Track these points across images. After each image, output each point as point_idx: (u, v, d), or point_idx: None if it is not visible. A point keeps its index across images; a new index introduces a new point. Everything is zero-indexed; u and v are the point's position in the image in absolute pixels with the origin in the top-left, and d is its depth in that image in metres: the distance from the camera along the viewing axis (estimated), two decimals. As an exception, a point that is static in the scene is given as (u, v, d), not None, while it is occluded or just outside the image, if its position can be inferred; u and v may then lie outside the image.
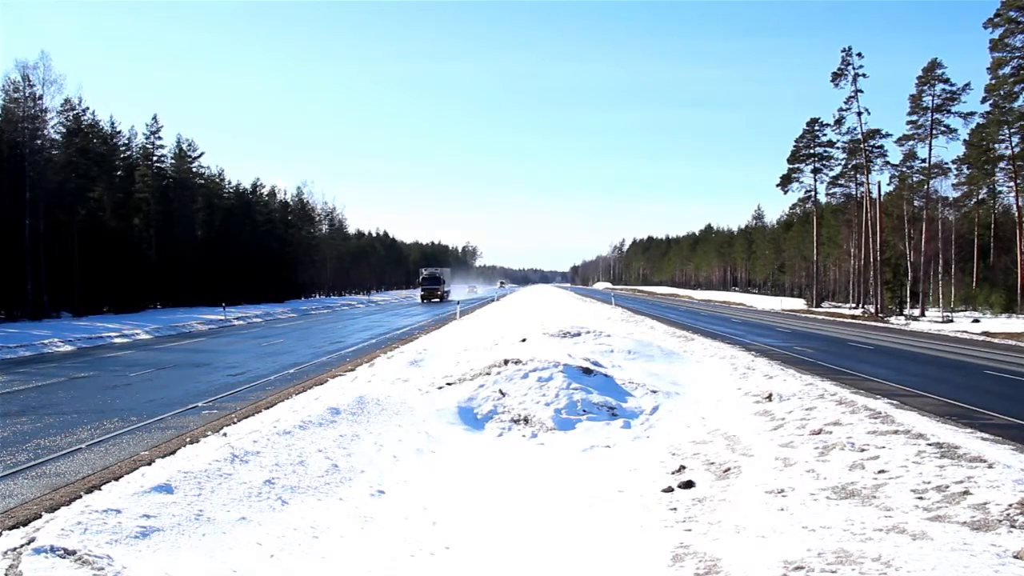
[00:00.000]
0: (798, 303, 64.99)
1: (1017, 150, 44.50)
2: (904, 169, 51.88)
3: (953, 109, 47.80)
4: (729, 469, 8.31)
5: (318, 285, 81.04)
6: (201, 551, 5.79)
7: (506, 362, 13.40)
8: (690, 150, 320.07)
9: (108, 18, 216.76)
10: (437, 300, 70.74)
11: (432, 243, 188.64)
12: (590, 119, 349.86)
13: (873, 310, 48.24)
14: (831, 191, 63.72)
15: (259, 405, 13.24)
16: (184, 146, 56.54)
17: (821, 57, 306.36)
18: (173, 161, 55.53)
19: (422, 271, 78.53)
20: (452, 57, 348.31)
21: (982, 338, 30.07)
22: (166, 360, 21.66)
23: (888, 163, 54.62)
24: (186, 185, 56.08)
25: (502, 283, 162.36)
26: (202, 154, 58.63)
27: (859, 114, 53.35)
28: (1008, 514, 5.71)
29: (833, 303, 63.55)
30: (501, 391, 12.08)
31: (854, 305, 56.04)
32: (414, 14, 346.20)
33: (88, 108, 44.63)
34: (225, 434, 10.11)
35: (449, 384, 13.02)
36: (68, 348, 25.25)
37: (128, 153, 51.15)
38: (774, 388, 12.46)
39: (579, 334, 18.77)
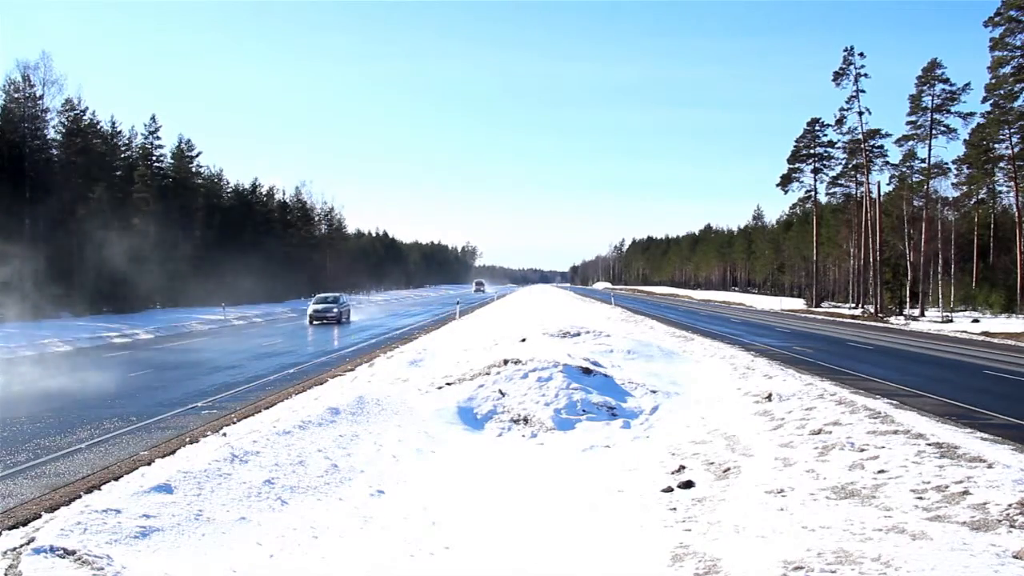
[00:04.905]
0: (798, 303, 65.01)
1: (1017, 150, 44.48)
2: (904, 169, 51.94)
3: (953, 109, 47.86)
4: (729, 469, 8.31)
5: (318, 285, 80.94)
6: (201, 551, 5.79)
7: (506, 362, 13.39)
8: (690, 150, 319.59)
9: (108, 18, 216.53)
10: None
11: (432, 243, 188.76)
12: (590, 119, 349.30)
13: (873, 310, 48.24)
14: (831, 191, 63.81)
15: (259, 405, 13.23)
16: (183, 146, 56.55)
17: (821, 57, 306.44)
18: (172, 161, 55.52)
19: None
20: (452, 57, 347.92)
21: (982, 338, 30.08)
22: (166, 360, 21.66)
23: (888, 163, 54.70)
24: (186, 185, 56.04)
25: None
26: (200, 154, 58.56)
27: (860, 114, 53.39)
28: (1008, 514, 5.71)
29: (833, 303, 63.58)
30: (501, 391, 12.08)
31: (854, 305, 56.05)
32: (414, 14, 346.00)
33: (88, 108, 44.62)
34: (225, 434, 10.11)
35: (449, 384, 13.02)
36: (68, 348, 25.24)
37: (128, 153, 51.11)
38: (774, 388, 12.46)
39: (579, 334, 18.77)
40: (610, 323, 27.41)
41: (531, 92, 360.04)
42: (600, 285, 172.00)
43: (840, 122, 55.57)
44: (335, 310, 38.78)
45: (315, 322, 37.63)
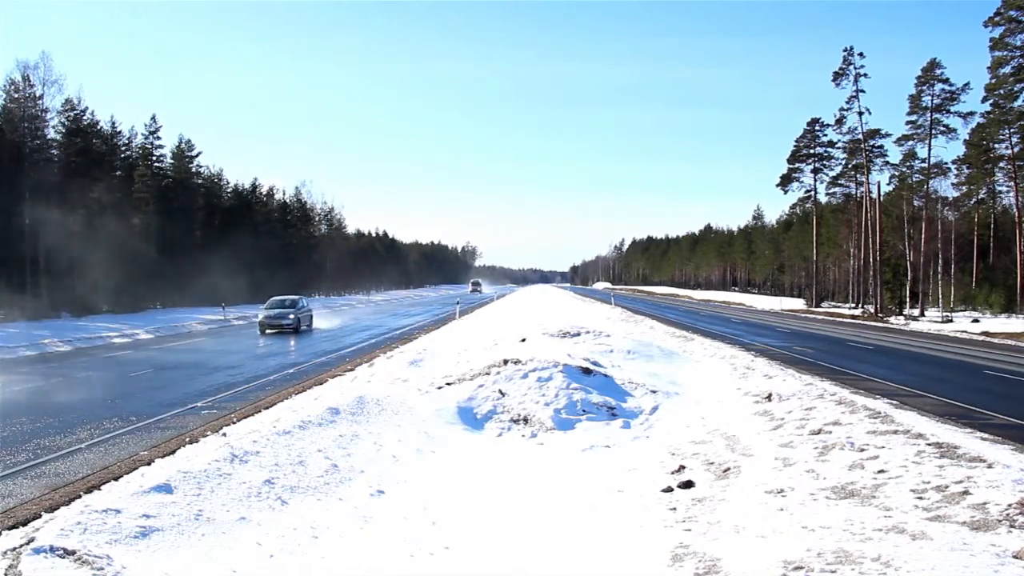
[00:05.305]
0: (798, 303, 65.00)
1: (1017, 150, 44.49)
2: (904, 169, 51.92)
3: (952, 109, 47.84)
4: (729, 469, 8.31)
5: (318, 285, 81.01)
6: (201, 551, 5.79)
7: (505, 362, 13.39)
8: (690, 150, 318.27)
9: (108, 18, 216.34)
10: None
11: (432, 243, 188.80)
12: (590, 119, 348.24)
13: (873, 310, 48.25)
14: (831, 191, 63.88)
15: (258, 405, 13.24)
16: (183, 146, 56.56)
17: (821, 57, 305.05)
18: (172, 161, 55.54)
19: None
20: (453, 57, 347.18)
21: (981, 338, 30.08)
22: (165, 360, 21.65)
23: (888, 163, 54.71)
24: (186, 185, 56.08)
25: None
26: (200, 153, 58.58)
27: (860, 114, 53.39)
28: (1008, 514, 5.71)
29: (833, 303, 63.56)
30: (501, 391, 12.08)
31: (854, 305, 56.05)
32: (414, 14, 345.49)
33: (88, 108, 44.65)
34: (224, 434, 10.12)
35: (449, 384, 13.02)
36: (68, 348, 25.25)
37: (128, 153, 51.13)
38: (774, 388, 12.46)
39: (579, 334, 18.76)
40: (610, 323, 27.41)
41: (531, 92, 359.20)
42: (600, 285, 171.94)
43: (840, 122, 55.63)
44: (291, 316, 31.67)
45: (268, 331, 30.81)
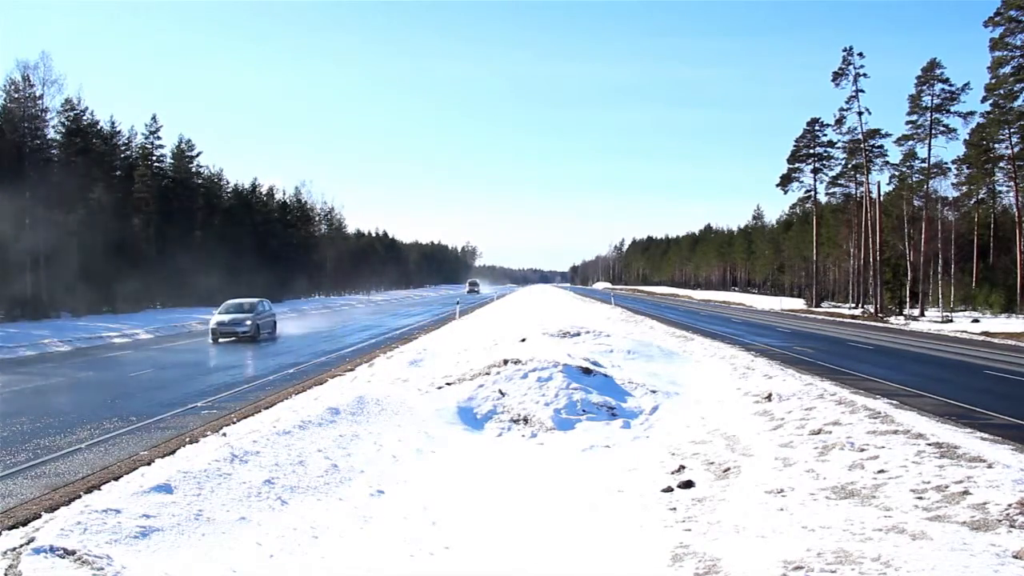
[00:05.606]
0: (798, 303, 65.00)
1: (1017, 150, 44.49)
2: (904, 169, 51.92)
3: (952, 109, 47.82)
4: (729, 469, 8.31)
5: (318, 285, 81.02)
6: (201, 551, 5.79)
7: (505, 362, 13.39)
8: (690, 150, 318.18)
9: (108, 18, 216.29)
10: None
11: (432, 243, 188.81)
12: (590, 119, 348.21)
13: (873, 310, 48.25)
14: (831, 191, 63.88)
15: (258, 405, 13.24)
16: (183, 146, 56.54)
17: (821, 57, 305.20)
18: (172, 161, 55.52)
19: None
20: (453, 57, 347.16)
21: (982, 338, 30.08)
22: (165, 360, 21.66)
23: (888, 163, 54.71)
24: (186, 185, 56.07)
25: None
26: (200, 153, 58.53)
27: (860, 114, 53.38)
28: (1008, 514, 5.71)
29: (833, 303, 63.56)
30: (501, 391, 12.08)
31: (854, 305, 56.05)
32: (414, 14, 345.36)
33: (88, 108, 44.66)
34: (224, 434, 10.12)
35: (449, 384, 13.02)
36: (68, 348, 25.25)
37: (128, 153, 51.12)
38: (774, 388, 12.46)
39: (579, 334, 18.76)
40: (610, 323, 27.41)
41: (532, 92, 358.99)
42: (600, 285, 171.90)
43: (840, 122, 55.60)
44: (248, 323, 27.20)
45: (221, 339, 26.86)
